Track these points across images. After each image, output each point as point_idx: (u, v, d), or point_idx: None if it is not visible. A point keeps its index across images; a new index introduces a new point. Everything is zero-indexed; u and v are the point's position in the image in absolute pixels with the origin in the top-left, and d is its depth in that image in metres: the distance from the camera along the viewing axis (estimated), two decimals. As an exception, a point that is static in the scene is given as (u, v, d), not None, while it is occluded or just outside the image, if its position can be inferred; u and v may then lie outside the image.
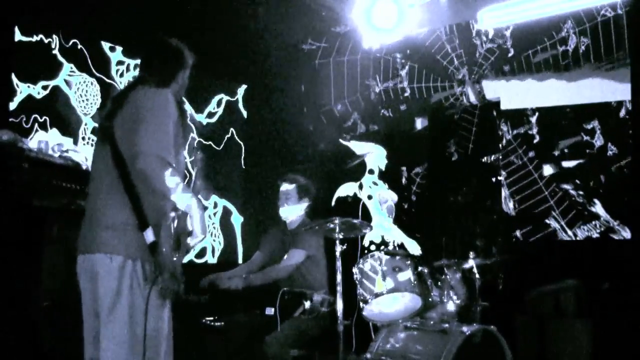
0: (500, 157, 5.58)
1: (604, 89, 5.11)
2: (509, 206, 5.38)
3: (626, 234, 4.90)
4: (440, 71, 6.07)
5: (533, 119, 5.44)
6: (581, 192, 5.09)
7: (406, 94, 6.30)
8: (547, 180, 5.30)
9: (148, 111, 2.60)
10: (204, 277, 4.45)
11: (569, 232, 5.13)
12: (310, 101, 6.76)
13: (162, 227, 2.50)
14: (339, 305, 3.80)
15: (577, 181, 5.13)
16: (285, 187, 4.67)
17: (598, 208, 5.00)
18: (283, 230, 4.76)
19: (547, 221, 5.26)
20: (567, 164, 5.20)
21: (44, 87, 4.96)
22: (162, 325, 2.63)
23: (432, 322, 3.98)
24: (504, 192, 5.42)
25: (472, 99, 5.82)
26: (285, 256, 4.51)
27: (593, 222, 5.00)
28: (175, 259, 2.53)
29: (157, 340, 2.60)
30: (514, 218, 5.43)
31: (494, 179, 5.60)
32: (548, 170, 5.28)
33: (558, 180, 5.23)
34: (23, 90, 4.82)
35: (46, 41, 4.98)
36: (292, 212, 4.66)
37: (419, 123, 6.21)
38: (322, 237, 4.54)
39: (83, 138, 5.19)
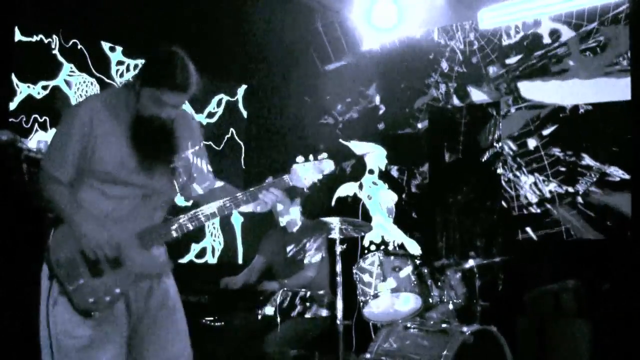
0: (500, 149, 5.61)
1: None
2: (544, 190, 5.39)
3: (618, 173, 5.10)
4: (418, 75, 6.09)
5: (509, 100, 5.66)
6: (569, 152, 5.32)
7: (381, 112, 6.31)
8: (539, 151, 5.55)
9: None
10: (203, 277, 4.48)
11: (571, 190, 5.31)
12: (309, 102, 6.76)
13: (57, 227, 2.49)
14: (339, 305, 3.80)
15: (561, 143, 5.42)
16: None
17: (588, 160, 5.23)
18: (282, 232, 4.77)
19: (551, 189, 5.34)
20: (546, 131, 5.44)
21: (44, 87, 4.96)
22: (79, 334, 2.43)
23: (432, 322, 3.98)
24: (533, 179, 5.44)
25: (483, 98, 5.82)
26: (309, 260, 4.55)
27: (588, 174, 5.20)
28: (57, 259, 2.43)
29: (65, 350, 2.42)
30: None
31: (494, 175, 5.61)
32: (532, 143, 5.52)
33: (545, 148, 5.49)
34: (23, 90, 4.82)
35: (46, 41, 4.98)
36: (287, 213, 4.69)
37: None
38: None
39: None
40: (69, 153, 2.51)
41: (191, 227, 2.59)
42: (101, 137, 2.53)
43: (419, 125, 6.09)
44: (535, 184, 5.45)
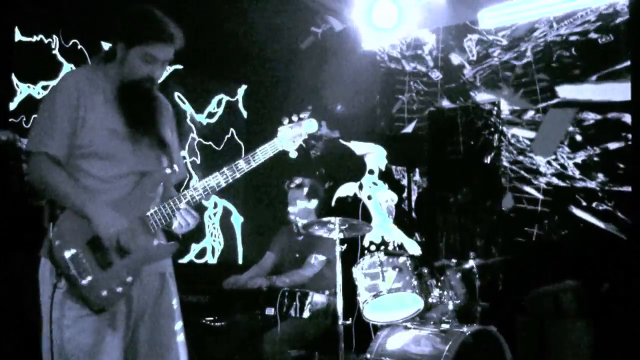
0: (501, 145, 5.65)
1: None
2: (565, 162, 5.44)
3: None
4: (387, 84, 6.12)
5: None
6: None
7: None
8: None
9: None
10: (203, 277, 4.46)
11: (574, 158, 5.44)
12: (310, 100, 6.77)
13: (56, 220, 2.32)
14: (339, 305, 3.80)
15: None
16: (294, 189, 4.67)
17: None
18: (293, 231, 4.76)
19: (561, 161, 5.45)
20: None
21: (44, 87, 4.96)
22: (83, 339, 2.30)
23: (432, 322, 3.98)
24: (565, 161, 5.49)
25: (485, 98, 5.83)
26: (311, 260, 4.52)
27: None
28: (65, 255, 2.28)
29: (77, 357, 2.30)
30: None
31: (498, 179, 5.62)
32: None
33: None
34: (23, 90, 4.82)
35: (46, 41, 4.99)
36: (302, 212, 4.65)
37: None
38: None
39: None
40: (58, 125, 2.37)
41: (197, 199, 2.55)
42: (89, 105, 2.43)
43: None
44: (555, 158, 5.44)
